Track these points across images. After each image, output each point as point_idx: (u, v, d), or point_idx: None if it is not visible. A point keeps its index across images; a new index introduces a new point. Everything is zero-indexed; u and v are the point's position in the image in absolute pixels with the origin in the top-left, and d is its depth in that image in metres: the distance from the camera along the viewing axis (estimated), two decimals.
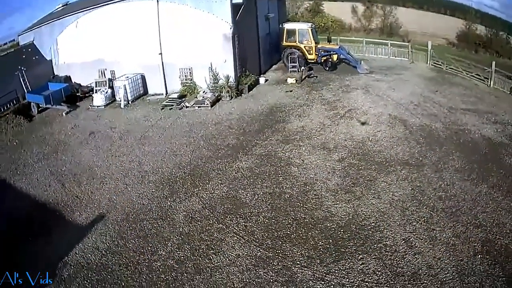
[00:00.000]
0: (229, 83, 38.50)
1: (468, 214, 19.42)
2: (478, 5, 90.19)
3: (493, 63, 42.41)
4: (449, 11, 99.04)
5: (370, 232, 18.37)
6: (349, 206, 20.28)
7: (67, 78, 43.39)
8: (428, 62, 51.58)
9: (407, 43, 59.61)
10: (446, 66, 48.82)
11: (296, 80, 42.76)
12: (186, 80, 40.98)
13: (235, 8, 38.43)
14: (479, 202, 20.49)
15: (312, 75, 44.56)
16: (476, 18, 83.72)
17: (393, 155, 25.60)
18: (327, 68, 47.54)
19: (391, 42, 60.05)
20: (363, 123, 30.60)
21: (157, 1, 39.00)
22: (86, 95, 41.50)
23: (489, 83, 42.05)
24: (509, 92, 39.38)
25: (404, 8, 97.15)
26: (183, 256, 17.29)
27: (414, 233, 18.15)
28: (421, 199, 20.86)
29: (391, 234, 18.18)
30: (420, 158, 25.26)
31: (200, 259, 17.07)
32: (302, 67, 44.65)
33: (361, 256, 16.85)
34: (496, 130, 29.53)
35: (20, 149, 30.14)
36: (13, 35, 55.70)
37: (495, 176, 22.98)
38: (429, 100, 35.92)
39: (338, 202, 20.65)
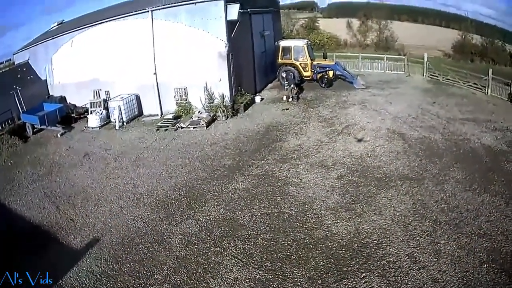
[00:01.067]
0: (224, 103, 38.32)
1: (472, 225, 19.29)
2: (475, 14, 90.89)
3: (490, 70, 42.75)
4: (444, 23, 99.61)
5: (373, 249, 18.05)
6: (350, 224, 19.95)
7: (62, 99, 43.41)
8: (425, 74, 51.89)
9: (403, 57, 59.85)
10: (443, 77, 49.11)
11: (287, 97, 42.81)
12: (181, 100, 40.79)
13: (230, 26, 38.35)
14: (483, 211, 20.39)
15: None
16: (472, 27, 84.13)
17: (393, 170, 25.38)
18: (323, 85, 47.43)
19: (387, 56, 60.39)
20: (359, 140, 30.38)
21: (152, 20, 38.93)
22: (81, 116, 41.43)
23: (486, 91, 42.37)
24: (507, 99, 39.61)
25: (399, 22, 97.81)
26: (179, 280, 16.93)
27: (418, 248, 17.89)
28: (423, 212, 20.61)
29: (394, 250, 17.88)
30: (420, 172, 25.07)
31: (197, 283, 16.71)
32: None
33: (364, 274, 16.52)
34: (496, 138, 29.61)
35: (15, 170, 30.07)
36: (9, 54, 55.91)
37: (497, 184, 22.97)
38: (427, 112, 35.91)
39: (338, 221, 20.31)
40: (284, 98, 42.82)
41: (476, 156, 26.92)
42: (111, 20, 41.18)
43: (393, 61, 57.53)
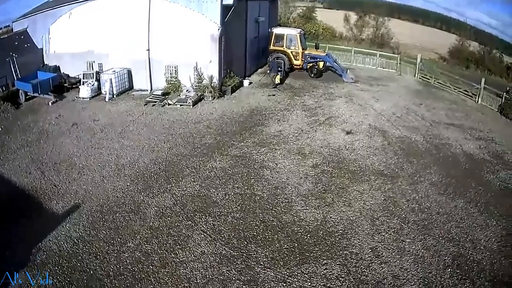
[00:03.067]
0: (212, 84, 38.83)
1: (441, 228, 19.51)
2: (475, 22, 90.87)
3: (483, 79, 42.87)
4: (444, 27, 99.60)
5: (337, 239, 18.48)
6: (318, 212, 20.42)
7: (56, 68, 43.38)
8: (416, 75, 51.94)
9: (396, 55, 59.86)
10: (434, 80, 49.16)
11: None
12: (171, 77, 41.15)
13: (225, 9, 38.62)
14: (454, 216, 20.59)
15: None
16: (471, 34, 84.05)
17: (368, 165, 25.79)
18: (312, 75, 47.97)
19: (380, 52, 60.53)
20: (343, 132, 30.80)
21: None
22: (73, 86, 41.42)
23: (476, 100, 42.46)
24: (497, 110, 39.75)
25: (399, 20, 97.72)
26: (150, 250, 17.48)
27: (382, 243, 18.24)
28: (393, 210, 20.94)
29: (359, 242, 18.29)
30: (396, 170, 25.41)
31: (167, 253, 17.28)
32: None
33: (325, 261, 16.97)
34: (479, 147, 29.84)
35: (5, 135, 30.12)
36: (8, 20, 55.58)
37: (473, 192, 23.17)
38: (412, 113, 36.23)
39: (307, 207, 20.79)
40: (276, 79, 43.65)
41: (456, 162, 27.20)
42: None
43: (385, 59, 57.69)
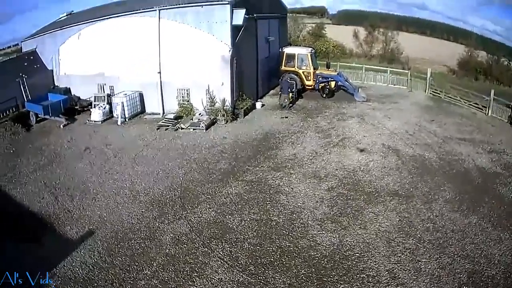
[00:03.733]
0: (225, 107, 38.67)
1: (455, 246, 19.44)
2: (481, 30, 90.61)
3: (492, 91, 42.45)
4: (452, 37, 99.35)
5: (354, 262, 18.41)
6: (334, 236, 20.33)
7: (67, 90, 43.57)
8: (427, 91, 51.59)
9: (407, 71, 59.63)
10: (445, 95, 48.85)
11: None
12: (183, 101, 41.06)
13: (235, 30, 38.59)
14: (468, 233, 20.51)
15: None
16: (478, 44, 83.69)
17: (383, 186, 25.67)
18: (324, 95, 47.61)
19: (391, 69, 60.01)
20: (362, 153, 30.75)
21: (159, 19, 39.29)
22: (84, 109, 41.66)
23: (487, 112, 42.20)
24: (507, 121, 39.55)
25: (407, 34, 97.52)
26: (167, 277, 17.44)
27: (399, 264, 18.16)
28: (408, 230, 20.83)
29: (375, 265, 18.21)
30: (410, 189, 25.27)
31: (184, 281, 17.23)
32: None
33: (342, 286, 16.88)
34: (491, 160, 29.69)
35: (16, 158, 30.32)
36: (16, 39, 56.01)
37: (486, 207, 23.06)
38: (424, 130, 36.06)
39: (323, 232, 20.72)
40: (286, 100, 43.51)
41: (469, 177, 27.05)
42: (118, 16, 41.56)
43: (396, 75, 57.47)
